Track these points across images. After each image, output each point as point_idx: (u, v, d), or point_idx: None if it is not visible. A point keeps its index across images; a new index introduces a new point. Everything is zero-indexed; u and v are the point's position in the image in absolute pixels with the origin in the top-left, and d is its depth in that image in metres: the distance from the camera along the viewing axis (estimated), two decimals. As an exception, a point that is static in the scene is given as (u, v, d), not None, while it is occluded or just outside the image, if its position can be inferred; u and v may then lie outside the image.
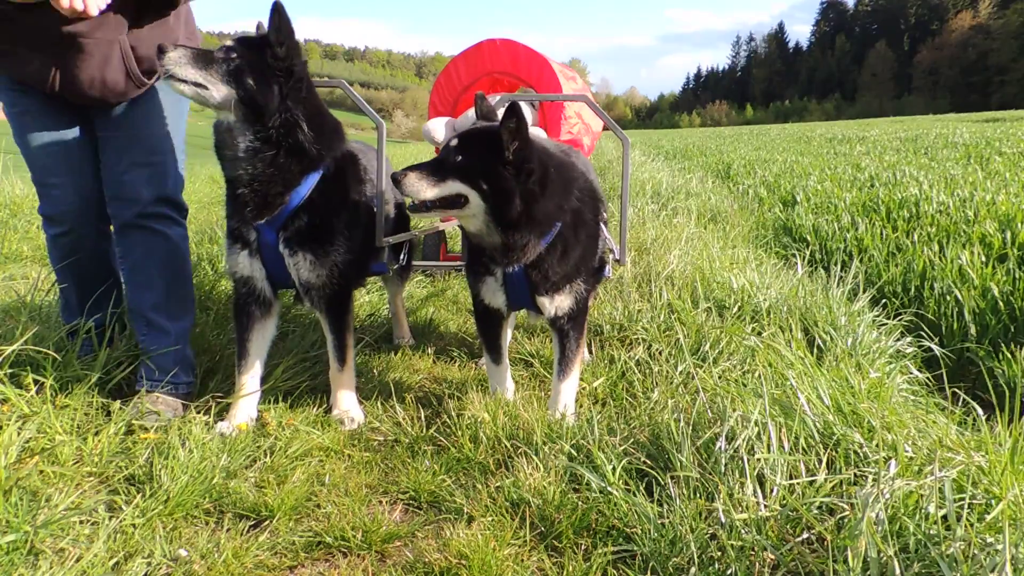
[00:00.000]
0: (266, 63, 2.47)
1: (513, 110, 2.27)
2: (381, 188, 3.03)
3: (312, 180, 2.64)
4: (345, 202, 2.82)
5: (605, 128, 4.48)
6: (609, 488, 2.05)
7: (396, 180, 2.35)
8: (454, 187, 2.35)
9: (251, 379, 2.79)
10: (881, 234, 5.55)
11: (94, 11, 2.27)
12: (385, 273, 3.32)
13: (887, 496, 1.73)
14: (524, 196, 2.35)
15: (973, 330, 3.57)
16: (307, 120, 2.58)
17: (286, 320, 3.77)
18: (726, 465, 2.00)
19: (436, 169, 2.37)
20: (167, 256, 2.85)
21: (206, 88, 2.43)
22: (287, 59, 2.49)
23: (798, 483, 1.92)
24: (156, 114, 2.78)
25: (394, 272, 3.67)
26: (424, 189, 2.33)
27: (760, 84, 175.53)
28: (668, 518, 1.91)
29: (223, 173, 2.65)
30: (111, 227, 2.87)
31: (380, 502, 2.27)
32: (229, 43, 2.49)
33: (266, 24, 2.50)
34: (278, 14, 2.44)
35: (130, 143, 2.73)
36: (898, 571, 1.55)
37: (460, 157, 2.36)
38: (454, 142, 2.42)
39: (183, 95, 2.50)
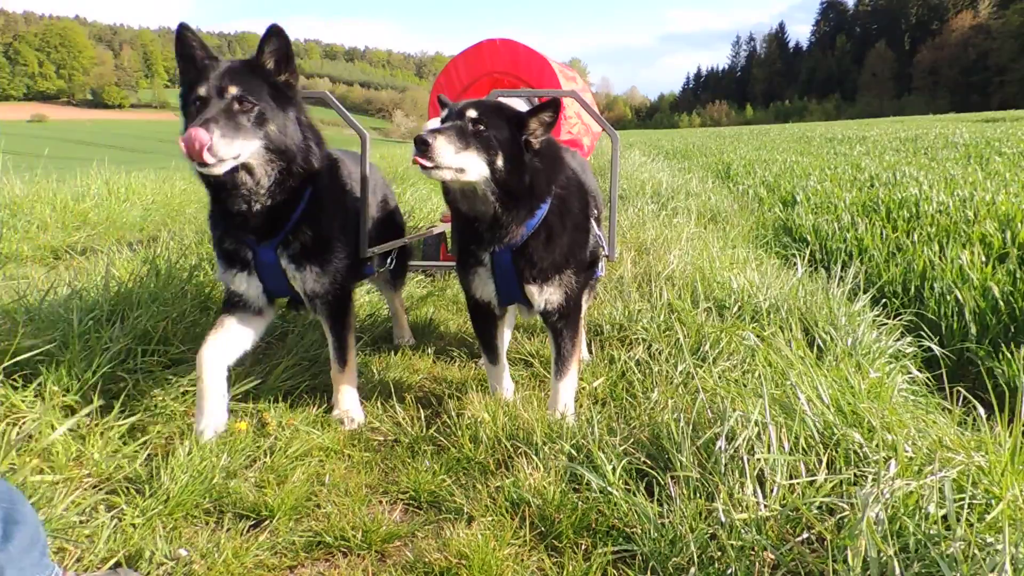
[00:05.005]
0: (275, 90, 2.43)
1: (554, 105, 2.38)
2: (365, 199, 3.02)
3: (307, 193, 2.61)
4: (339, 209, 2.81)
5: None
6: (609, 488, 2.05)
7: (423, 142, 2.27)
8: (472, 155, 2.34)
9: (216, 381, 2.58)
10: (881, 234, 5.55)
11: None
12: (372, 275, 3.32)
13: (887, 496, 1.73)
14: (531, 172, 2.45)
15: (973, 330, 3.57)
16: (313, 136, 2.58)
17: (286, 320, 3.77)
18: (726, 465, 2.00)
19: (459, 135, 2.35)
20: None
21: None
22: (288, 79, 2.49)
23: (798, 483, 1.92)
24: None
25: (388, 278, 3.66)
26: (450, 155, 2.30)
27: (760, 84, 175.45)
28: (668, 518, 1.91)
29: (225, 206, 2.50)
30: None
31: (380, 502, 2.27)
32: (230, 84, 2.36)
33: (263, 45, 2.44)
34: (277, 36, 2.41)
35: None
36: (898, 571, 1.55)
37: (482, 128, 2.37)
38: (472, 113, 2.40)
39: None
